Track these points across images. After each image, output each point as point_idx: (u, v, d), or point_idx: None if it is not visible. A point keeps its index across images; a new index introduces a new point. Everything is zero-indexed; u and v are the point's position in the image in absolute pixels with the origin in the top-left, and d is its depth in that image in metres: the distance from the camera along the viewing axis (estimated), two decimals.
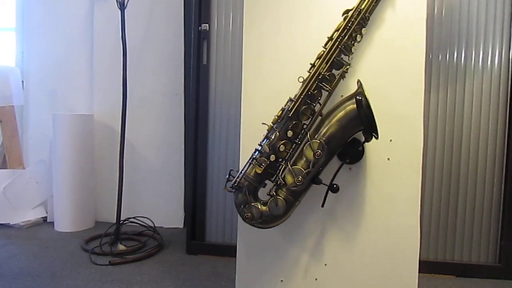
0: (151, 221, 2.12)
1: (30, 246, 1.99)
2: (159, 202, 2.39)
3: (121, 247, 1.93)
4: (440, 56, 1.67)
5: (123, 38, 1.96)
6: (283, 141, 0.96)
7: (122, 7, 1.93)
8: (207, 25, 1.84)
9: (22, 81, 2.52)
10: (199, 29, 1.85)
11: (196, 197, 1.94)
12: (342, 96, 1.05)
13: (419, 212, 1.04)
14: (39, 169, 2.42)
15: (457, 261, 1.70)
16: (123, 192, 2.02)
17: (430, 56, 1.67)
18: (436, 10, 1.66)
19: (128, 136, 2.12)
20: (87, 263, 1.78)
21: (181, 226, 2.36)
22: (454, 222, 1.70)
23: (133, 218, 2.10)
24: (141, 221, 2.11)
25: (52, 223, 2.31)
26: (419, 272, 1.66)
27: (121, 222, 2.01)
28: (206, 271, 1.73)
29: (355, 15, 1.01)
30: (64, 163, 2.25)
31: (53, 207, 2.32)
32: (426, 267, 1.69)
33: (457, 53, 1.66)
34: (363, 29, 1.02)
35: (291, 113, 0.97)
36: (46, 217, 2.41)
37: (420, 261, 1.67)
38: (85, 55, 2.46)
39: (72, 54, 2.49)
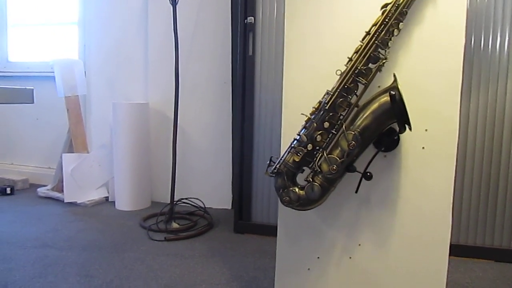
0: (202, 202, 2.27)
1: (95, 222, 2.19)
2: (209, 184, 2.52)
3: (174, 225, 2.09)
4: (482, 45, 1.66)
5: (175, 31, 2.08)
6: (320, 132, 1.02)
7: (174, 3, 2.05)
8: (252, 18, 1.93)
9: (85, 72, 2.70)
10: (245, 22, 1.94)
11: (242, 180, 2.05)
12: (379, 86, 1.09)
13: (451, 199, 1.08)
14: (101, 153, 2.61)
15: (496, 246, 1.71)
16: (176, 174, 2.17)
17: (472, 45, 1.67)
18: None
19: (180, 122, 2.25)
20: (145, 239, 1.95)
21: (229, 207, 2.48)
22: (494, 208, 1.71)
23: (186, 199, 2.26)
24: (193, 202, 2.26)
25: (113, 202, 2.51)
26: (458, 256, 1.72)
27: (174, 202, 2.16)
28: (252, 248, 1.85)
29: (393, 10, 1.02)
30: (123, 147, 2.42)
31: (114, 188, 2.51)
32: (465, 251, 1.73)
33: (500, 41, 1.65)
34: (401, 23, 1.03)
35: (328, 105, 1.02)
36: (108, 197, 2.60)
37: (459, 246, 1.73)
38: (140, 48, 2.61)
39: (129, 47, 2.64)
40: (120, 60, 2.66)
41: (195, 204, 2.27)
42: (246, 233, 2.04)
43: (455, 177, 1.09)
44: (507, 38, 1.64)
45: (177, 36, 2.09)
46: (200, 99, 2.51)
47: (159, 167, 2.58)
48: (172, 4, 2.06)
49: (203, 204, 2.27)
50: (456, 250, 1.72)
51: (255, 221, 2.05)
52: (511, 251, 1.69)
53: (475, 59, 1.67)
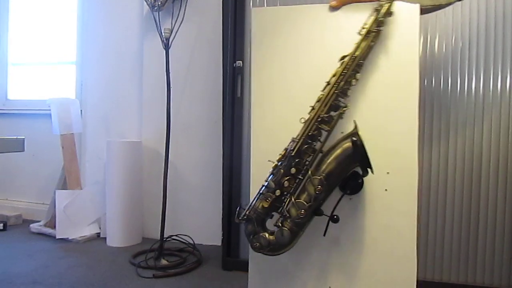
0: (191, 238, 2.28)
1: (86, 258, 2.20)
2: (199, 221, 2.54)
3: (164, 262, 2.10)
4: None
5: (167, 73, 2.16)
6: (287, 177, 1.08)
7: (166, 47, 2.15)
8: (240, 62, 2.02)
9: (81, 110, 2.77)
10: (234, 65, 2.03)
11: (231, 216, 2.06)
12: (342, 132, 1.16)
13: (415, 238, 1.12)
14: (95, 189, 2.64)
15: (470, 284, 1.73)
16: (166, 211, 2.19)
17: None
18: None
19: (172, 160, 2.30)
20: (133, 276, 1.96)
21: (219, 244, 2.45)
22: (466, 246, 1.74)
23: (175, 235, 2.27)
24: (182, 239, 2.28)
25: (105, 238, 2.52)
26: None
27: (164, 239, 2.18)
28: (239, 285, 1.86)
29: (351, 62, 1.10)
30: (116, 184, 2.46)
31: (106, 224, 2.52)
32: None
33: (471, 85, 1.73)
34: (358, 74, 1.11)
35: (294, 152, 1.08)
36: (99, 233, 2.61)
37: (434, 283, 1.75)
38: (135, 88, 2.69)
39: (124, 87, 2.71)
40: (115, 99, 2.73)
41: (184, 241, 2.29)
42: (235, 270, 2.05)
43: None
44: (475, 81, 1.72)
45: (169, 78, 2.17)
46: (192, 137, 2.56)
47: (151, 203, 2.60)
48: (165, 49, 2.15)
49: (193, 240, 2.28)
50: None
51: (244, 258, 2.06)
52: None
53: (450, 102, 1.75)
